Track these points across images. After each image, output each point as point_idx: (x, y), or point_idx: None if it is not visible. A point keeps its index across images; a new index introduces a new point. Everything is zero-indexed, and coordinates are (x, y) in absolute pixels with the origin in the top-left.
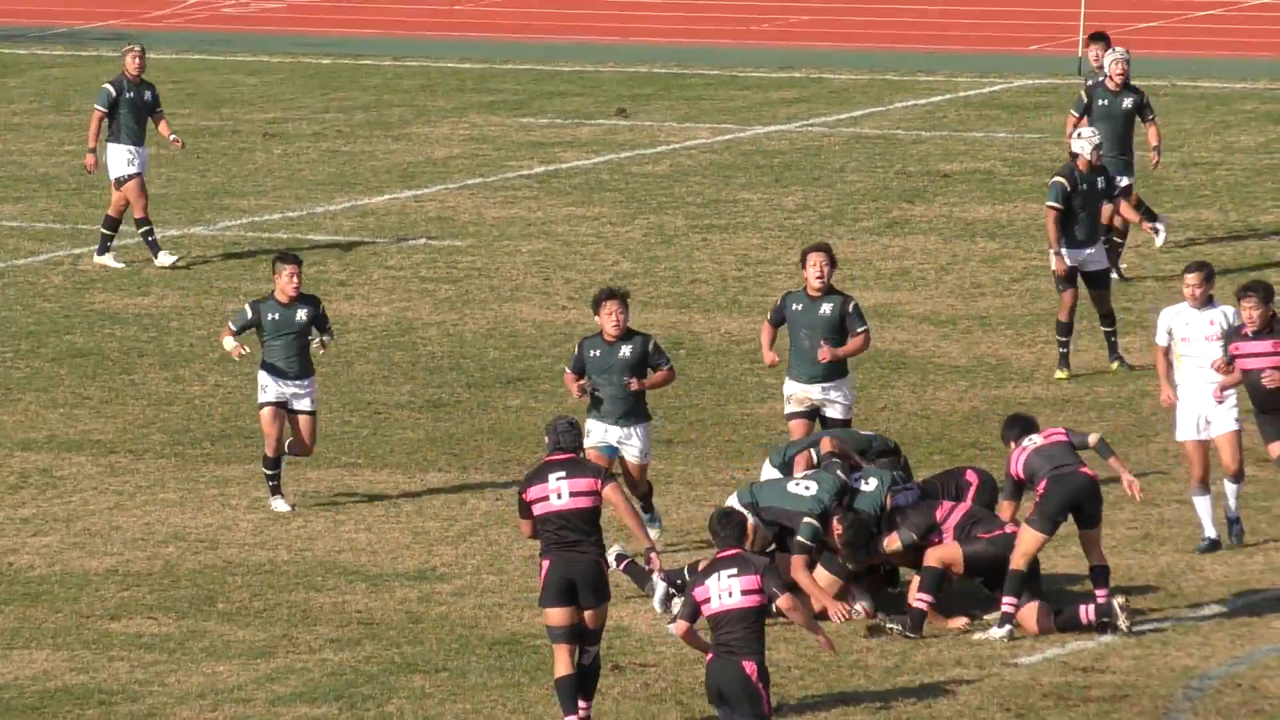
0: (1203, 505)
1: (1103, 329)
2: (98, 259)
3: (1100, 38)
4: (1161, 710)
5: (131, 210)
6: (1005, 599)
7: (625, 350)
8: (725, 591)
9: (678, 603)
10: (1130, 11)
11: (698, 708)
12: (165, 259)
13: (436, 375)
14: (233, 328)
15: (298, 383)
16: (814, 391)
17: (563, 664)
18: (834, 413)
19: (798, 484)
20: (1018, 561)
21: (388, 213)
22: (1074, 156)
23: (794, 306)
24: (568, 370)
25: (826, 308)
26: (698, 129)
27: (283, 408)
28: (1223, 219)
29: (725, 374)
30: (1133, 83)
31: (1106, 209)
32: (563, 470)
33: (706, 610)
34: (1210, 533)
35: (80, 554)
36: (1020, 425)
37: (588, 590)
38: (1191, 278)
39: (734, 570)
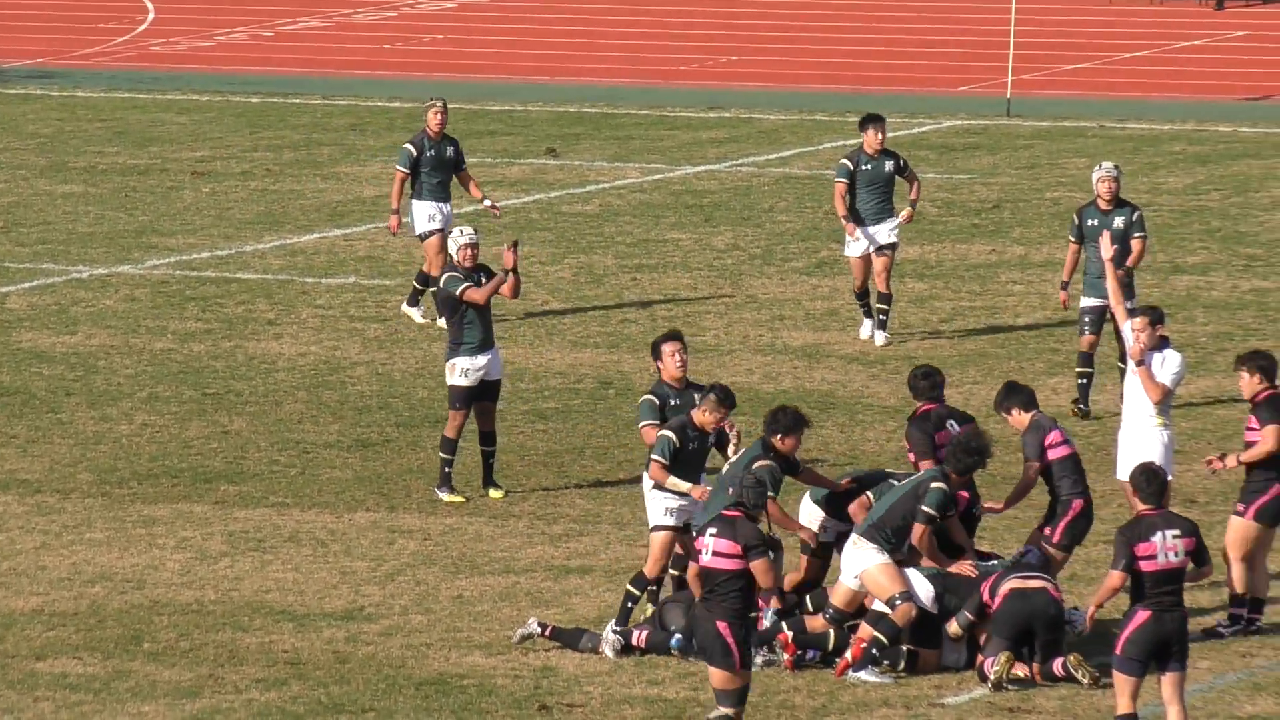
0: None
1: None
2: (404, 309)
3: (876, 119)
4: None
5: (428, 265)
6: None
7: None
8: (1172, 550)
9: (608, 648)
10: (1059, 53)
11: None
12: (417, 315)
13: (365, 415)
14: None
15: None
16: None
17: None
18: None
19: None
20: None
21: (316, 251)
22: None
23: (672, 401)
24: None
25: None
26: (627, 169)
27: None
28: (1150, 259)
29: None
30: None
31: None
32: (715, 527)
33: (1149, 566)
34: None
35: (6, 594)
36: (1028, 394)
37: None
38: (1136, 322)
39: (1178, 531)
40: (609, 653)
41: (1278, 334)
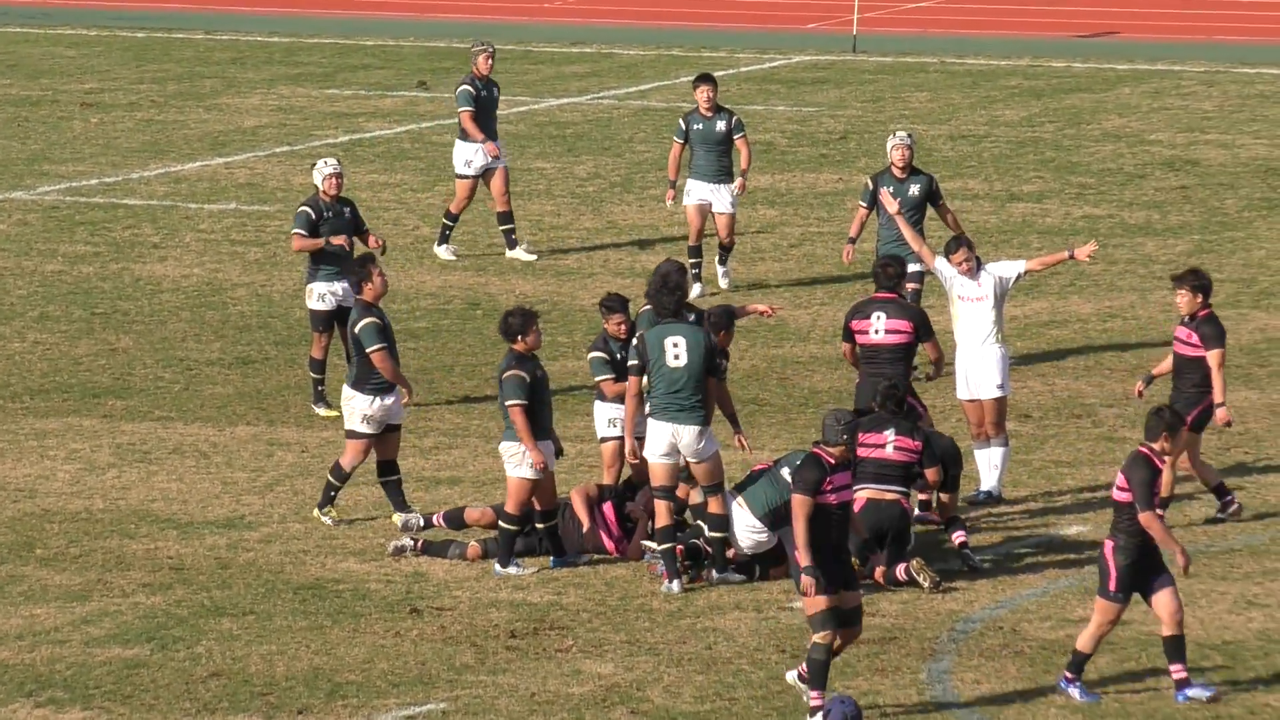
0: (981, 457)
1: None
2: (436, 249)
3: (707, 79)
4: (928, 651)
5: (455, 205)
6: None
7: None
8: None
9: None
10: None
11: (490, 649)
12: (523, 254)
13: (245, 333)
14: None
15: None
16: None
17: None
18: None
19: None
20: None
21: (199, 179)
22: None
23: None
24: None
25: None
26: None
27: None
28: (988, 188)
29: None
30: (918, 165)
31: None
32: None
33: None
34: (985, 485)
35: None
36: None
37: None
38: (955, 257)
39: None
40: (397, 522)
41: (1106, 258)
